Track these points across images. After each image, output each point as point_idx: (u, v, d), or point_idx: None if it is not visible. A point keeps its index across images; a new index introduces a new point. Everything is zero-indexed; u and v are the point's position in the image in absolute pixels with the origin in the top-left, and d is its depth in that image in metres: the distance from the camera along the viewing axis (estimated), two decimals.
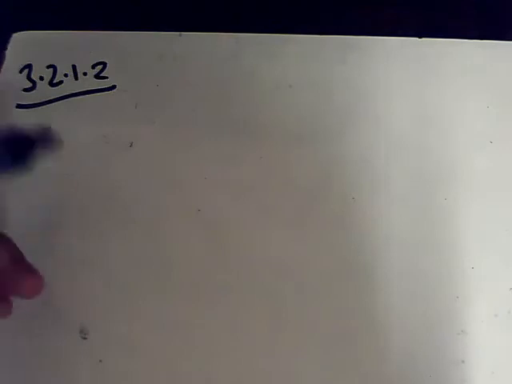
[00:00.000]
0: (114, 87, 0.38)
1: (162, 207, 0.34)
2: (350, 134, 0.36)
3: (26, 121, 0.36)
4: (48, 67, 0.38)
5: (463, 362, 0.30)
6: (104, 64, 0.38)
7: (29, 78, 0.38)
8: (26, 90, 0.38)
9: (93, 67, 0.38)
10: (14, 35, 0.39)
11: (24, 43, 0.39)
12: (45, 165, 0.34)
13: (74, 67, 0.38)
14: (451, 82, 0.37)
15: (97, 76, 0.38)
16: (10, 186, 0.34)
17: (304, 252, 0.33)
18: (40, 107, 0.37)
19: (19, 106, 0.37)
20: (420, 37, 0.39)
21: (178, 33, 0.39)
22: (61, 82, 0.38)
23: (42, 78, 0.38)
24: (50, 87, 0.38)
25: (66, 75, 0.38)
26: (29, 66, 0.38)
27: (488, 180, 0.35)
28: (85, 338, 0.31)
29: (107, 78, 0.38)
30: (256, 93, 0.37)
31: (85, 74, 0.38)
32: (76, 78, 0.38)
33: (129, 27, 0.39)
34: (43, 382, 0.31)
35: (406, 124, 0.36)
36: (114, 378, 0.31)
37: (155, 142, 0.36)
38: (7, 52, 0.39)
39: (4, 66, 0.38)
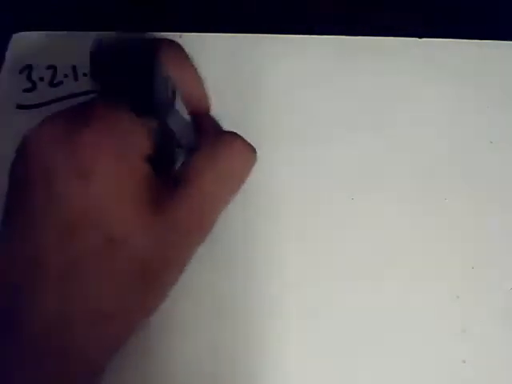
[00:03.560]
0: None
1: None
2: (350, 134, 0.36)
3: (27, 121, 0.36)
4: (48, 68, 0.38)
5: (463, 362, 0.30)
6: None
7: (29, 78, 0.38)
8: (26, 90, 0.38)
9: None
10: (14, 35, 0.39)
11: (24, 44, 0.39)
12: None
13: (73, 68, 0.38)
14: (451, 82, 0.37)
15: None
16: None
17: (304, 252, 0.33)
18: (40, 107, 0.37)
19: (20, 107, 0.37)
20: (420, 37, 0.39)
21: (178, 33, 0.39)
22: (61, 83, 0.38)
23: (42, 79, 0.38)
24: (51, 88, 0.38)
25: (66, 76, 0.38)
26: (29, 67, 0.38)
27: (488, 180, 0.35)
28: None
29: None
30: (256, 93, 0.37)
31: (85, 74, 0.38)
32: (76, 78, 0.38)
33: (129, 27, 0.39)
34: None
35: (405, 124, 0.36)
36: (114, 378, 0.31)
37: None
38: (7, 52, 0.39)
39: (4, 66, 0.38)
